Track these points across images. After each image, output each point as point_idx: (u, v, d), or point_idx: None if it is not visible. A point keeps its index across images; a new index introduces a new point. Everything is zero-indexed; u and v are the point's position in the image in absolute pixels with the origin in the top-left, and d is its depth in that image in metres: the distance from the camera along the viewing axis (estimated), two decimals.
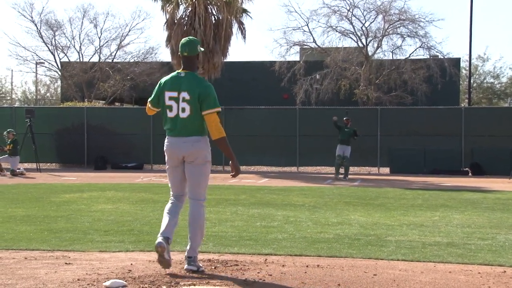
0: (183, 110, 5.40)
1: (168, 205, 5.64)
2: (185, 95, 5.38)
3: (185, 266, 5.46)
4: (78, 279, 5.15)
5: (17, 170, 20.12)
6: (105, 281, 4.99)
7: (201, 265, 5.54)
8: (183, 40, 5.60)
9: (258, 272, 5.44)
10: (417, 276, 5.45)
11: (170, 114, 5.44)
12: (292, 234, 7.87)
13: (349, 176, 19.81)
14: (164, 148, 5.55)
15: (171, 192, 5.69)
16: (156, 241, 5.31)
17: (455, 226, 8.79)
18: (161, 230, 5.45)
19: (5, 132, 21.27)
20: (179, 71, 5.54)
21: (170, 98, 5.43)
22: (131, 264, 5.77)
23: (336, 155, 19.38)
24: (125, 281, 5.04)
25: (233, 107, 25.71)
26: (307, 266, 5.79)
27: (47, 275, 5.32)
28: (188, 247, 5.50)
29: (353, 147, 19.60)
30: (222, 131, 5.41)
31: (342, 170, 19.96)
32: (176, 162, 5.51)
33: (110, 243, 7.13)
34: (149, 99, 5.69)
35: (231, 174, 5.59)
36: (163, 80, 5.60)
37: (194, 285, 4.98)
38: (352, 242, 7.23)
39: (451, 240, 7.52)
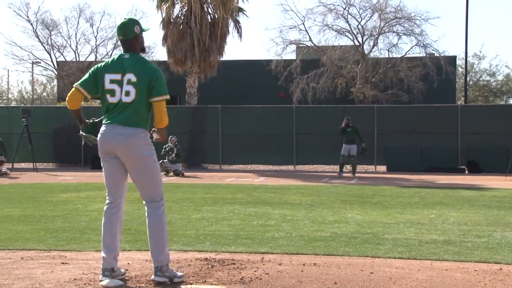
0: (127, 93, 4.89)
1: (104, 216, 5.09)
2: (131, 76, 4.88)
3: (152, 277, 5.01)
4: (75, 279, 5.14)
5: (2, 170, 20.01)
6: (101, 281, 4.98)
7: (178, 273, 5.06)
8: (120, 22, 5.14)
9: (255, 271, 5.44)
10: (414, 274, 5.45)
11: (112, 99, 4.95)
12: (289, 232, 7.86)
13: (345, 175, 19.88)
14: (98, 139, 5.07)
15: (106, 191, 5.16)
16: (103, 283, 4.90)
17: (452, 223, 8.80)
18: (102, 257, 5.01)
19: None
20: (122, 53, 5.10)
21: (112, 81, 4.92)
22: (128, 263, 5.76)
23: (341, 154, 19.84)
24: (122, 280, 5.03)
25: (230, 106, 25.72)
26: (303, 264, 5.79)
27: (44, 275, 5.32)
28: (151, 256, 5.02)
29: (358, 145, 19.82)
30: (167, 120, 5.02)
31: (345, 169, 20.20)
32: (110, 154, 5.00)
33: None
34: (78, 82, 5.09)
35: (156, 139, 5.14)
36: (101, 63, 5.10)
37: (191, 283, 4.98)
38: (349, 240, 7.23)
39: (447, 237, 7.52)
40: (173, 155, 20.23)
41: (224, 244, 6.90)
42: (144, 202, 5.09)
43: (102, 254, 5.04)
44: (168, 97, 4.99)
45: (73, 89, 5.12)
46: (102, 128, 5.04)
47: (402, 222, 8.93)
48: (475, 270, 5.62)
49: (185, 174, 20.24)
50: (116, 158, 5.01)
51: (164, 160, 20.00)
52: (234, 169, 23.96)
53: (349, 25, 34.19)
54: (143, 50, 5.16)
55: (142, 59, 5.07)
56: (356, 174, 20.23)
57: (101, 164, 5.13)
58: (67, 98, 5.20)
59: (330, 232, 7.88)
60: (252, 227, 8.35)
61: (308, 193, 13.64)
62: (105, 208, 5.14)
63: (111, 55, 41.94)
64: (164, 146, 20.10)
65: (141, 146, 4.95)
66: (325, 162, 23.87)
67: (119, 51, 42.43)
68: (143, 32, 5.12)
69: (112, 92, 4.96)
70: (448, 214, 9.94)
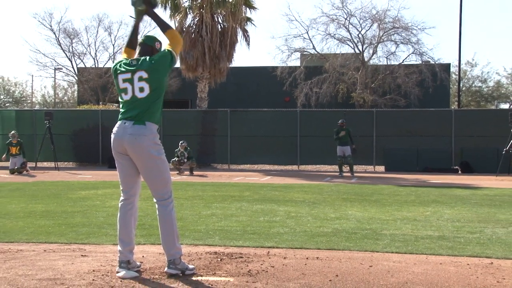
0: (141, 89, 4.90)
1: (119, 212, 5.09)
2: (142, 74, 4.90)
3: (165, 269, 5.01)
4: (94, 270, 5.15)
5: (15, 168, 20.14)
6: (118, 272, 4.99)
7: (190, 266, 5.06)
8: None
9: (261, 264, 5.44)
10: (410, 267, 5.44)
11: (126, 97, 4.97)
12: (293, 228, 7.86)
13: (345, 174, 19.83)
14: (111, 137, 5.03)
15: (120, 189, 5.16)
16: (120, 274, 4.92)
17: (446, 220, 8.77)
18: (119, 250, 5.03)
19: (12, 132, 20.93)
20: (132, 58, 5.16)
21: (124, 81, 4.96)
22: (143, 256, 5.77)
23: (338, 156, 19.76)
24: (137, 272, 5.04)
25: (238, 110, 25.72)
26: (307, 258, 5.78)
27: (65, 266, 5.33)
28: (164, 250, 5.01)
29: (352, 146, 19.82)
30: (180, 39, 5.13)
31: (345, 169, 20.15)
32: (122, 153, 4.99)
33: None
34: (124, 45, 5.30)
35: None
36: (114, 66, 5.15)
37: (201, 275, 4.98)
38: (349, 236, 7.21)
39: (442, 233, 7.50)
40: (185, 159, 20.31)
41: (232, 239, 6.90)
42: (154, 200, 5.06)
43: (118, 247, 5.05)
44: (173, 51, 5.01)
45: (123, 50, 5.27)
46: (114, 128, 5.03)
47: (399, 219, 8.91)
48: (468, 264, 5.60)
49: (196, 173, 20.28)
50: (128, 157, 5.00)
51: (177, 159, 20.13)
52: (241, 169, 23.96)
53: (350, 34, 34.19)
54: None
55: (150, 57, 5.02)
56: (356, 174, 20.18)
57: (115, 163, 5.12)
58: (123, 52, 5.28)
59: (331, 228, 7.86)
60: (259, 223, 8.35)
61: (311, 191, 13.62)
62: (119, 204, 5.14)
63: None
64: (175, 151, 20.18)
65: (149, 146, 4.89)
66: (327, 163, 23.84)
67: None
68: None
69: (125, 91, 4.98)
70: (442, 211, 9.91)
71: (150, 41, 5.19)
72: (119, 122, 5.01)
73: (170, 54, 5.01)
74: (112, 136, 5.03)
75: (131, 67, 4.99)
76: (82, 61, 42.49)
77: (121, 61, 5.13)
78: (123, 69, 5.03)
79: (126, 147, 4.93)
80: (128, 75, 4.97)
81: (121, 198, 5.13)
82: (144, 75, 4.91)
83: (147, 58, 5.00)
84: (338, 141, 19.64)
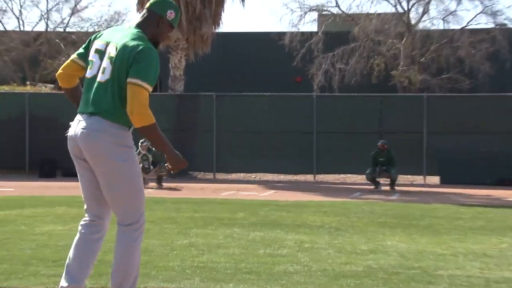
0: (103, 70, 4.85)
1: (77, 235, 5.17)
2: (111, 50, 4.86)
3: None
4: None
5: None
6: None
7: None
8: None
9: None
10: None
11: (89, 73, 4.96)
12: (308, 265, 7.85)
13: (384, 188, 19.92)
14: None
15: (84, 206, 5.18)
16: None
17: None
18: (64, 271, 5.14)
19: None
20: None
21: (96, 51, 4.97)
22: None
23: (368, 169, 20.32)
24: None
25: (227, 94, 25.73)
26: None
27: None
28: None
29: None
30: (149, 116, 4.80)
31: (383, 181, 20.32)
32: (79, 157, 4.99)
33: (60, 277, 7.07)
34: (75, 53, 5.22)
35: (169, 169, 5.09)
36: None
37: None
38: (389, 277, 7.20)
39: None
40: (149, 164, 20.30)
41: (219, 280, 6.88)
42: (117, 223, 5.03)
43: (61, 283, 5.00)
44: (149, 88, 4.77)
45: (67, 61, 5.19)
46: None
47: (462, 253, 8.90)
48: None
49: (167, 185, 20.31)
50: (89, 166, 4.99)
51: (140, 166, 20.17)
52: (232, 179, 23.98)
53: None
54: (156, 43, 5.04)
55: (138, 35, 4.92)
56: (398, 188, 20.23)
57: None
58: (57, 73, 5.23)
59: (363, 266, 7.86)
60: (257, 257, 8.34)
61: (333, 212, 13.63)
62: (80, 225, 5.13)
63: (67, 23, 42.04)
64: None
65: (108, 146, 4.83)
66: (356, 171, 23.77)
67: (79, 19, 42.04)
68: (169, 25, 5.10)
69: (91, 64, 4.99)
70: None
71: (159, 8, 5.04)
72: (77, 115, 5.01)
73: (154, 65, 4.86)
74: (68, 132, 5.03)
75: (112, 37, 4.98)
76: (0, 21, 42.50)
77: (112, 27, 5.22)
78: (103, 35, 5.07)
79: (80, 146, 4.89)
80: (103, 46, 4.96)
81: (84, 218, 5.13)
82: (113, 52, 4.86)
83: (136, 36, 4.91)
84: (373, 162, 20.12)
